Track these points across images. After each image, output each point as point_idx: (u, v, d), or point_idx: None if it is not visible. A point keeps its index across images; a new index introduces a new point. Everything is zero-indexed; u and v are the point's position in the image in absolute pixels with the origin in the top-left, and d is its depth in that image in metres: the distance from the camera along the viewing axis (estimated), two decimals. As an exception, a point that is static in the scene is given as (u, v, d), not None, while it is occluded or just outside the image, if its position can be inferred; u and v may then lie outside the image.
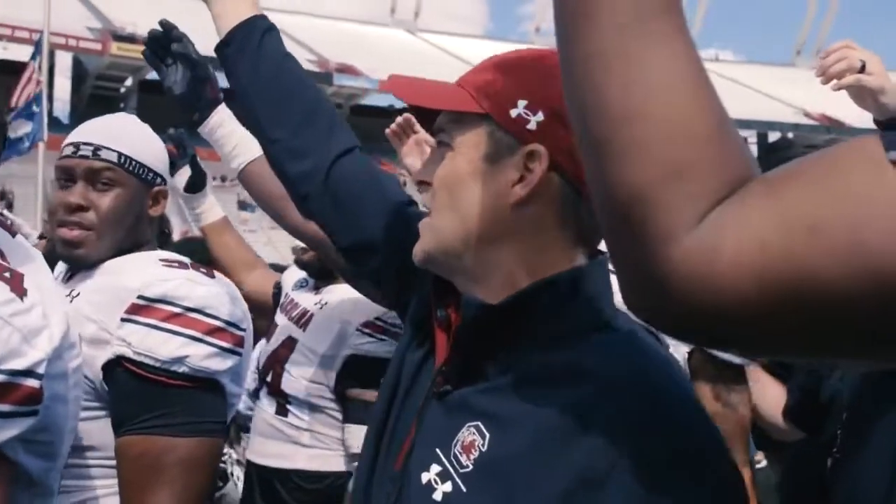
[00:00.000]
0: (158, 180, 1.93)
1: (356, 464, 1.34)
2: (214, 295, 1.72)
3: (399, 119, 2.75)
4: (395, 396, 1.22)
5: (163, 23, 2.09)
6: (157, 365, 1.63)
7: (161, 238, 2.43)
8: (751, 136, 67.60)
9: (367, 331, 2.71)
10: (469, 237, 1.11)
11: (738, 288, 0.57)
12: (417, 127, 2.71)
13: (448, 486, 1.02)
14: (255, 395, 3.07)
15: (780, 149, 65.89)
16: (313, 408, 2.75)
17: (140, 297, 1.66)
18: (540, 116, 1.09)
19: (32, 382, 1.18)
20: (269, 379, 2.84)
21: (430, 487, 1.03)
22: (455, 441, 1.04)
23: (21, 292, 1.19)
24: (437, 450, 1.05)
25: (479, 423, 1.03)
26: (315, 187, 1.43)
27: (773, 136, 66.40)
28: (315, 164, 1.43)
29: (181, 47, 2.10)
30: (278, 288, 3.16)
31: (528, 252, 1.10)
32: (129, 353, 1.63)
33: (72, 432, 1.39)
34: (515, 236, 1.10)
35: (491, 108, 1.11)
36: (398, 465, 1.12)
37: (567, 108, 0.68)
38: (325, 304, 2.86)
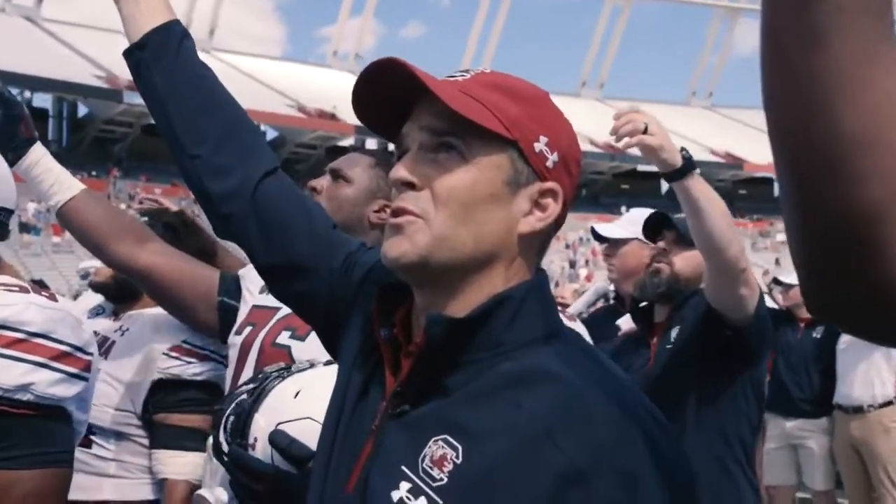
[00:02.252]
0: None
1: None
2: (58, 319, 1.66)
3: None
4: (340, 421, 1.20)
5: None
6: (0, 394, 1.55)
7: None
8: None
9: (174, 354, 2.66)
10: (476, 255, 1.10)
11: None
12: None
13: (423, 501, 1.02)
14: None
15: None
16: (119, 436, 2.68)
17: None
18: (556, 156, 1.14)
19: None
20: None
21: None
22: (422, 457, 1.04)
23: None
24: (403, 467, 1.05)
25: (447, 436, 1.03)
26: (239, 207, 1.37)
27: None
28: (240, 184, 1.38)
29: None
30: None
31: (510, 273, 1.13)
32: None
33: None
34: (511, 260, 1.13)
35: (520, 138, 1.11)
36: (349, 488, 1.11)
37: (771, 126, 0.69)
38: (127, 329, 2.78)
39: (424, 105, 1.13)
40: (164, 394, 2.65)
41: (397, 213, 1.11)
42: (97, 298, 2.99)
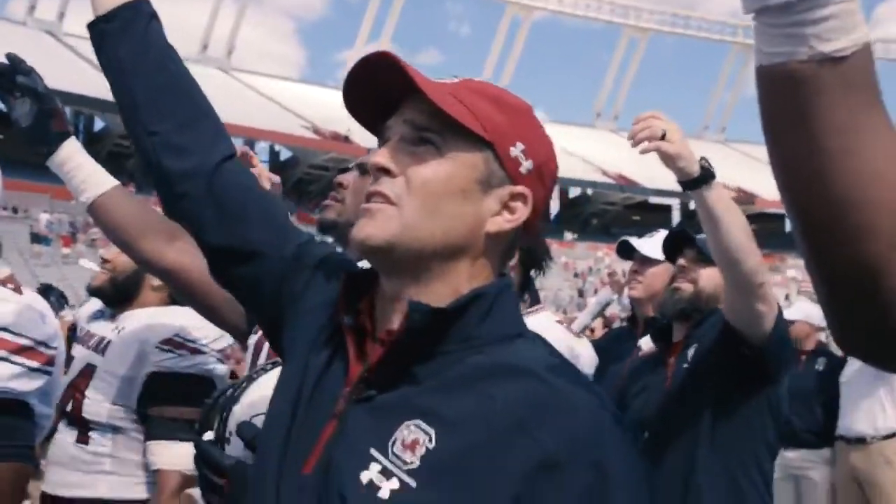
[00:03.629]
0: None
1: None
2: (21, 312, 1.64)
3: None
4: (298, 405, 1.21)
5: (10, 56, 2.04)
6: None
7: None
8: (553, 191, 70.51)
9: (166, 347, 2.76)
10: (443, 247, 1.16)
11: None
12: (255, 161, 2.71)
13: (394, 483, 1.05)
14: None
15: (579, 204, 69.16)
16: (116, 430, 2.76)
17: None
18: (530, 164, 1.20)
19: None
20: (68, 409, 2.78)
21: (372, 486, 1.06)
22: (392, 440, 1.08)
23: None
24: (372, 450, 1.08)
25: (419, 421, 1.08)
26: (196, 187, 1.39)
27: (574, 192, 69.61)
28: (199, 164, 1.40)
29: (28, 80, 2.06)
30: (75, 329, 3.08)
31: (474, 269, 1.18)
32: None
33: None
34: (476, 257, 1.18)
35: (497, 141, 1.17)
36: (307, 469, 1.13)
37: (778, 187, 0.76)
38: (123, 328, 2.86)
39: (410, 101, 1.18)
40: (157, 387, 2.73)
41: (371, 196, 1.17)
42: (99, 303, 3.06)
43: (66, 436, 2.77)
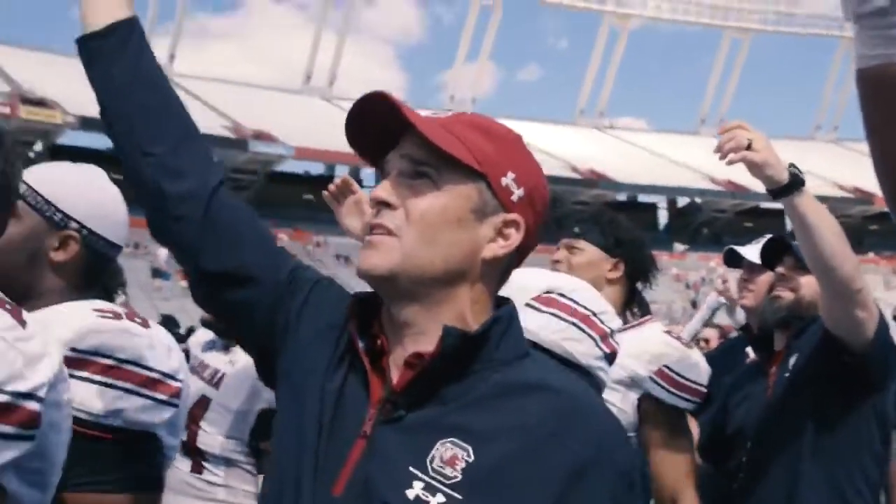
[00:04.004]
0: (72, 224, 1.79)
1: None
2: (150, 346, 1.68)
3: (337, 181, 2.79)
4: (322, 429, 1.24)
5: None
6: (91, 419, 1.57)
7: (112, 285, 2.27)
8: (661, 202, 69.50)
9: None
10: (442, 272, 1.23)
11: None
12: (355, 188, 2.76)
13: (441, 498, 1.12)
14: None
15: (689, 213, 67.86)
16: (229, 462, 2.81)
17: (73, 349, 1.60)
18: (521, 192, 1.27)
19: (33, 405, 1.18)
20: (184, 438, 2.80)
21: (420, 502, 1.12)
22: (430, 458, 1.14)
23: (21, 321, 1.21)
24: (411, 468, 1.14)
25: (454, 438, 1.15)
26: (194, 210, 1.39)
27: (683, 202, 68.34)
28: (197, 187, 1.40)
29: None
30: (186, 352, 3.15)
31: (474, 293, 1.26)
32: None
33: (61, 465, 1.34)
34: (474, 282, 1.26)
35: (489, 172, 1.25)
36: (338, 490, 1.17)
37: (886, 193, 0.80)
38: (236, 362, 2.92)
39: (408, 137, 1.25)
40: (270, 422, 2.72)
41: (374, 228, 1.24)
42: (210, 333, 3.11)
43: (181, 464, 2.84)
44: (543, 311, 1.80)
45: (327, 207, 2.64)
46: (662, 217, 70.47)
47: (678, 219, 68.23)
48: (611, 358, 1.86)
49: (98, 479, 1.57)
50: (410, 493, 1.12)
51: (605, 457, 1.16)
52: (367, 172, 55.90)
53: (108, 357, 1.61)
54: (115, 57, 1.42)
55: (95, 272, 1.83)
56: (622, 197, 66.58)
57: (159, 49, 67.72)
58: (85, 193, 1.83)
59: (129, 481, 1.60)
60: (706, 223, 67.31)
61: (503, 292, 1.84)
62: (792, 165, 2.29)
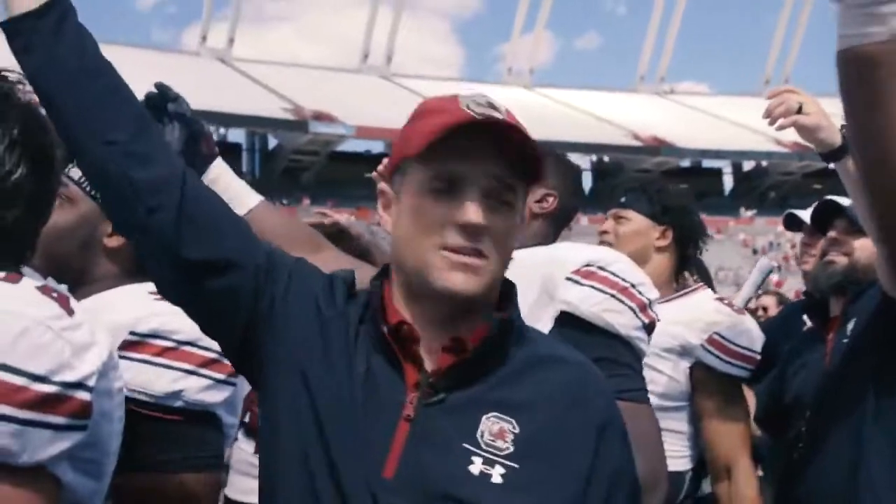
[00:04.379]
0: None
1: None
2: None
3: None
4: (354, 410, 1.24)
5: (158, 85, 2.10)
6: (152, 401, 1.62)
7: None
8: (726, 166, 68.32)
9: None
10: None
11: None
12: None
13: (500, 469, 1.19)
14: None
15: (755, 177, 66.61)
16: None
17: (132, 332, 1.64)
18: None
19: (83, 395, 1.18)
20: (246, 419, 2.83)
21: (483, 476, 1.18)
22: (479, 433, 1.21)
23: (69, 310, 1.21)
24: (465, 445, 1.20)
25: (497, 412, 1.22)
26: (170, 198, 1.29)
27: (748, 165, 67.09)
28: (168, 173, 1.31)
29: (176, 107, 2.12)
30: None
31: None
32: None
33: (115, 454, 1.36)
34: None
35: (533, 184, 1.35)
36: (389, 473, 1.19)
37: (861, 171, 0.82)
38: None
39: (495, 155, 1.24)
40: None
41: (471, 252, 1.24)
42: None
43: (245, 445, 2.86)
44: (583, 284, 1.81)
45: (390, 185, 2.67)
46: (728, 182, 69.32)
47: (744, 183, 67.01)
48: (649, 328, 1.88)
49: (160, 459, 1.61)
50: (474, 469, 1.18)
51: (615, 414, 1.31)
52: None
53: (167, 339, 1.65)
54: (58, 38, 1.28)
55: None
56: (686, 163, 65.68)
57: (218, 34, 67.95)
58: None
59: (191, 461, 1.64)
60: (773, 187, 66.01)
61: (546, 266, 1.86)
62: (843, 127, 2.20)
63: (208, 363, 1.68)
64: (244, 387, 1.91)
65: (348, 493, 1.18)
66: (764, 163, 64.68)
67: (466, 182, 1.24)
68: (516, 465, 1.19)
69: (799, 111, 2.22)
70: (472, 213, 1.22)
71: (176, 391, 1.63)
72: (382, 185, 1.36)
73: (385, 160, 2.76)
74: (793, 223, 3.37)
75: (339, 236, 3.03)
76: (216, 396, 1.69)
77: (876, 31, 0.71)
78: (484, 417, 1.22)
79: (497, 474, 1.18)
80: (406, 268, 1.28)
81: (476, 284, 1.24)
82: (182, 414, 1.64)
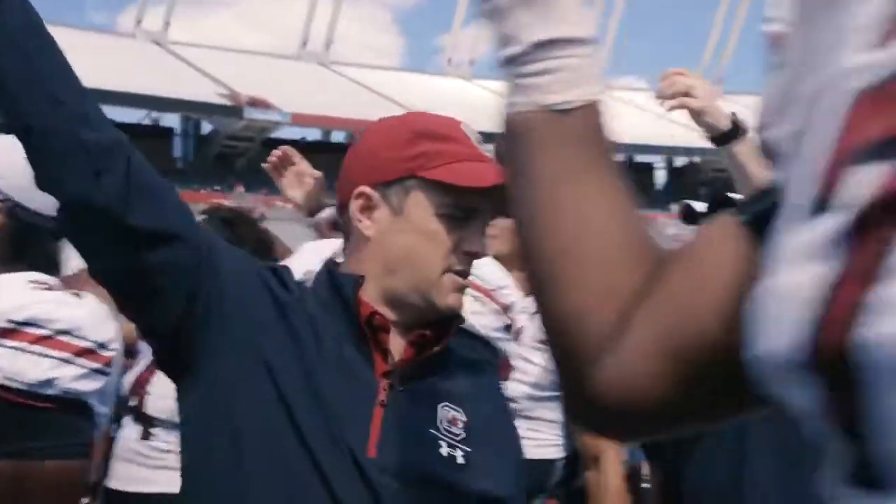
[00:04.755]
0: None
1: None
2: (83, 317, 1.73)
3: (277, 152, 2.81)
4: (324, 394, 1.29)
5: None
6: (25, 388, 1.63)
7: None
8: (658, 162, 69.29)
9: None
10: None
11: (655, 393, 0.64)
12: (297, 159, 2.77)
13: (460, 452, 1.33)
14: (115, 422, 3.01)
15: (688, 173, 67.70)
16: (178, 426, 2.75)
17: (8, 320, 1.63)
18: None
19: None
20: (133, 404, 2.82)
21: (450, 457, 1.32)
22: (439, 420, 1.34)
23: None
24: (432, 430, 1.33)
25: (447, 402, 1.37)
26: (119, 163, 1.25)
27: (681, 161, 68.13)
28: (116, 139, 1.28)
29: None
30: None
31: None
32: None
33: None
34: None
35: None
36: (372, 453, 1.27)
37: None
38: None
39: (496, 189, 1.28)
40: None
41: (468, 275, 1.41)
42: None
43: (131, 431, 2.82)
44: None
45: (325, 174, 2.65)
46: (660, 177, 70.29)
47: (677, 179, 68.02)
48: (509, 329, 1.96)
49: (33, 445, 1.63)
50: (443, 451, 1.32)
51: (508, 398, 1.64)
52: (365, 138, 55.48)
53: (43, 327, 1.66)
54: None
55: (24, 244, 1.82)
56: (618, 158, 66.23)
57: (154, 17, 66.70)
58: (8, 164, 1.76)
59: (61, 449, 1.66)
60: (706, 183, 67.15)
61: None
62: (733, 114, 2.29)
63: (84, 352, 1.69)
64: (118, 376, 1.89)
65: (333, 476, 1.24)
66: (697, 159, 65.70)
67: (479, 214, 1.39)
68: (470, 450, 1.34)
69: (686, 94, 2.26)
70: (480, 244, 1.39)
71: (49, 379, 1.65)
72: (366, 190, 1.38)
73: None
74: (690, 216, 3.42)
75: (240, 222, 2.99)
76: (90, 385, 1.70)
77: (522, 101, 0.71)
78: (439, 406, 1.36)
79: (460, 456, 1.32)
80: (399, 279, 1.37)
81: (463, 302, 1.40)
82: (55, 402, 1.66)
